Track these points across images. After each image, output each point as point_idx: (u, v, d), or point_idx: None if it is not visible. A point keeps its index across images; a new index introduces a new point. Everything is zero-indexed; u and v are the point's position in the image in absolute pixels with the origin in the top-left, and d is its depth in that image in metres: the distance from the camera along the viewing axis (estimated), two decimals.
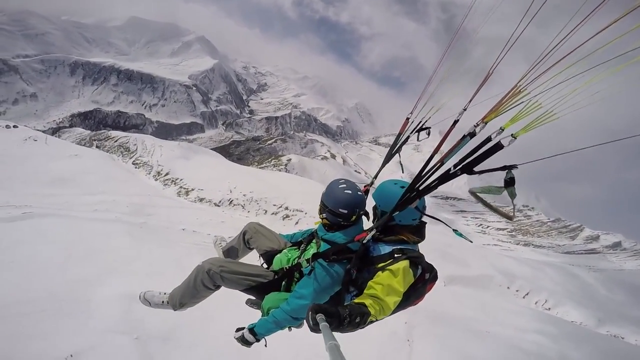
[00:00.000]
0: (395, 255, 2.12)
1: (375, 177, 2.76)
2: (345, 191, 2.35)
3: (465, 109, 1.99)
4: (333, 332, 1.55)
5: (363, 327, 1.86)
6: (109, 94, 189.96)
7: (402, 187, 2.20)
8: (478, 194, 1.97)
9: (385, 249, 2.20)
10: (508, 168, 1.68)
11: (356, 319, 1.76)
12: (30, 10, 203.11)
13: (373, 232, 2.15)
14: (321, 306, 1.69)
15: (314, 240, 2.55)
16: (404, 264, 2.06)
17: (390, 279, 2.00)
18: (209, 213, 16.80)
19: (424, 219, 2.37)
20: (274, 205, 20.58)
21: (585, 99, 1.25)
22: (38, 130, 40.56)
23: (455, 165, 1.73)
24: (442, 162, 1.82)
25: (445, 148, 1.87)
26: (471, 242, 2.55)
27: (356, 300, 1.95)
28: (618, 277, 31.69)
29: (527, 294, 17.20)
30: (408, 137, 2.61)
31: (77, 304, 7.25)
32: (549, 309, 16.58)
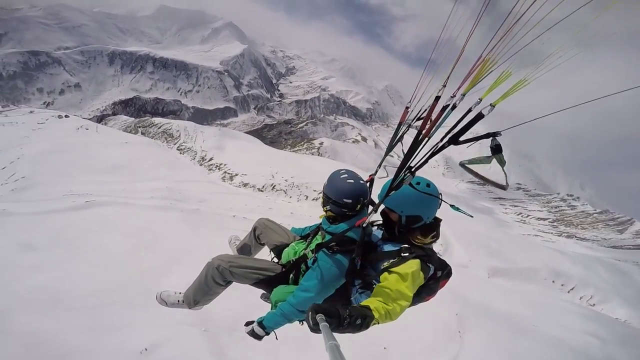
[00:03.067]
0: (403, 255, 2.04)
1: (380, 165, 2.77)
2: (348, 181, 2.32)
3: (444, 85, 1.96)
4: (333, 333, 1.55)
5: (365, 330, 1.79)
6: (146, 82, 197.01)
7: (411, 184, 2.12)
8: (467, 165, 1.97)
9: (394, 246, 2.17)
10: (492, 135, 1.72)
11: (357, 320, 1.71)
12: (63, 3, 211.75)
13: (371, 215, 2.12)
14: (321, 306, 1.67)
15: (319, 233, 2.55)
16: (413, 266, 1.99)
17: (399, 284, 1.93)
18: (255, 199, 16.73)
19: (439, 215, 2.28)
20: (314, 190, 20.26)
21: (557, 59, 1.28)
22: (85, 118, 42.81)
23: (442, 139, 1.76)
24: (428, 136, 1.82)
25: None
26: (471, 216, 2.38)
27: (362, 303, 1.89)
28: None
29: (572, 289, 16.42)
30: (409, 127, 2.52)
31: (148, 295, 7.27)
32: (594, 305, 15.87)
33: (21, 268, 7.06)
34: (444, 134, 1.79)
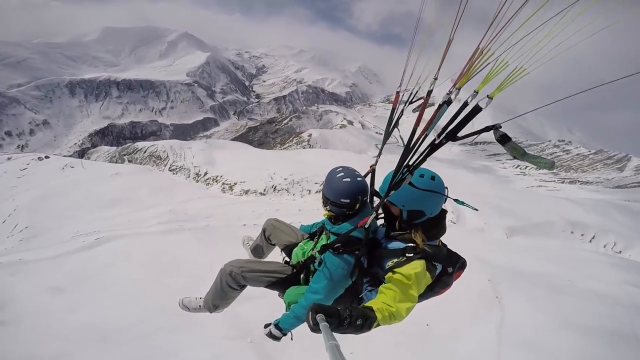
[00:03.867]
0: (407, 254, 1.99)
1: (379, 155, 2.67)
2: (344, 180, 2.27)
3: (436, 78, 1.91)
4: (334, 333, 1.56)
5: (367, 331, 1.78)
6: (116, 107, 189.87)
7: (411, 183, 2.04)
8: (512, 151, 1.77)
9: (399, 244, 2.11)
10: (491, 128, 1.68)
11: (357, 320, 1.70)
12: None
13: (373, 216, 2.09)
14: (321, 306, 1.68)
15: (324, 233, 2.55)
16: (418, 267, 1.94)
17: (403, 285, 1.90)
18: (260, 204, 16.75)
19: (444, 207, 2.20)
20: (316, 183, 20.33)
21: (557, 46, 1.25)
22: (65, 156, 41.80)
23: (439, 135, 1.73)
24: (424, 134, 1.79)
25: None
26: (476, 209, 2.35)
27: (367, 304, 1.88)
28: None
29: (593, 238, 16.01)
30: (402, 111, 2.44)
31: (185, 317, 7.43)
32: (620, 252, 15.44)
33: (57, 310, 7.12)
34: (440, 129, 1.76)
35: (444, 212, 2.19)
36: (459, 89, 1.68)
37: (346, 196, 2.25)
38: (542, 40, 1.26)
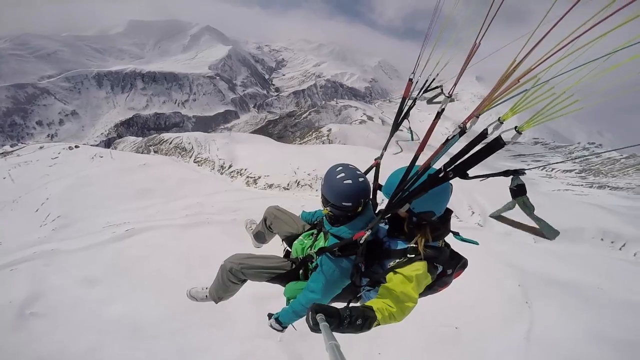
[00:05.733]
0: (409, 256, 1.94)
1: (384, 148, 2.62)
2: (345, 181, 2.11)
3: (450, 96, 1.71)
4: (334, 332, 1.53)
5: (367, 331, 1.77)
6: (141, 99, 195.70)
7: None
8: (500, 215, 1.75)
9: (400, 244, 2.05)
10: (512, 173, 1.48)
11: (357, 320, 1.69)
12: (27, 32, 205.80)
13: (368, 235, 1.99)
14: (321, 306, 1.65)
15: (322, 231, 2.48)
16: (420, 269, 1.90)
17: (404, 286, 1.86)
18: (285, 199, 16.58)
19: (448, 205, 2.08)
20: None
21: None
22: (92, 145, 43.01)
23: (445, 165, 1.50)
24: (428, 166, 1.61)
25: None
26: (477, 243, 2.08)
27: (367, 303, 1.86)
28: None
29: (623, 246, 15.33)
30: (415, 101, 2.27)
31: (216, 313, 7.34)
32: None
33: (92, 302, 7.14)
34: (449, 159, 1.49)
35: (449, 212, 2.12)
36: (478, 117, 1.35)
37: (347, 199, 2.12)
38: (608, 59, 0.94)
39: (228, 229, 10.83)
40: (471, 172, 1.47)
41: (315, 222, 2.84)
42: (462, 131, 1.40)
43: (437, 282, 2.13)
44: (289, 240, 2.89)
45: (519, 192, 1.47)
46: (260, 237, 3.35)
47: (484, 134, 1.29)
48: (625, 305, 7.86)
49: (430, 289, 2.12)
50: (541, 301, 7.64)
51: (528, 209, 1.48)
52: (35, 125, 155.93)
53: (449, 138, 1.44)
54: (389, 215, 2.10)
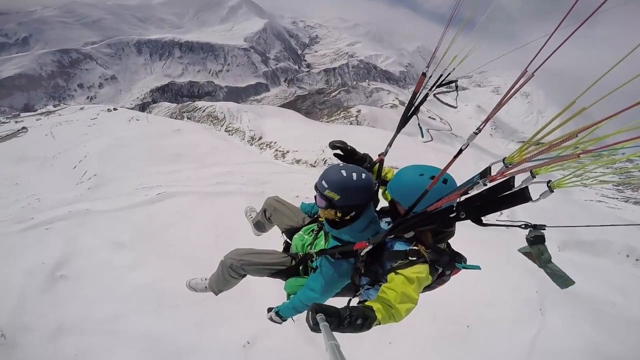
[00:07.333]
0: (410, 258, 1.90)
1: (390, 144, 2.54)
2: (355, 178, 2.02)
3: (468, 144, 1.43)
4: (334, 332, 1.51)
5: (367, 330, 1.74)
6: (177, 67, 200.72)
7: (431, 177, 1.86)
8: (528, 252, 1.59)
9: (402, 245, 1.99)
10: (531, 227, 1.46)
11: (357, 320, 1.68)
12: (75, 0, 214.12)
13: (369, 248, 1.97)
14: (322, 306, 1.65)
15: (322, 231, 2.46)
16: (421, 271, 1.88)
17: (405, 286, 1.84)
18: (312, 176, 16.29)
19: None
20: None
21: None
22: (128, 108, 44.29)
23: (459, 204, 1.43)
24: (438, 207, 1.50)
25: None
26: (479, 268, 1.93)
27: (367, 303, 1.85)
28: None
29: None
30: (427, 96, 2.25)
31: (239, 288, 7.36)
32: None
33: (118, 268, 7.19)
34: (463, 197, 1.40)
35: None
36: (508, 165, 1.25)
37: (357, 196, 2.05)
38: None
39: (256, 202, 10.68)
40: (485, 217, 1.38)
41: (316, 214, 2.81)
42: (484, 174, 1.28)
43: (436, 281, 2.12)
44: (289, 232, 2.86)
45: (535, 241, 1.42)
46: (260, 226, 3.31)
47: (509, 183, 1.22)
48: (633, 323, 7.83)
49: (428, 288, 2.11)
50: (554, 310, 7.70)
51: (544, 258, 1.43)
52: (76, 87, 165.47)
53: (468, 183, 1.35)
54: (390, 214, 2.17)
